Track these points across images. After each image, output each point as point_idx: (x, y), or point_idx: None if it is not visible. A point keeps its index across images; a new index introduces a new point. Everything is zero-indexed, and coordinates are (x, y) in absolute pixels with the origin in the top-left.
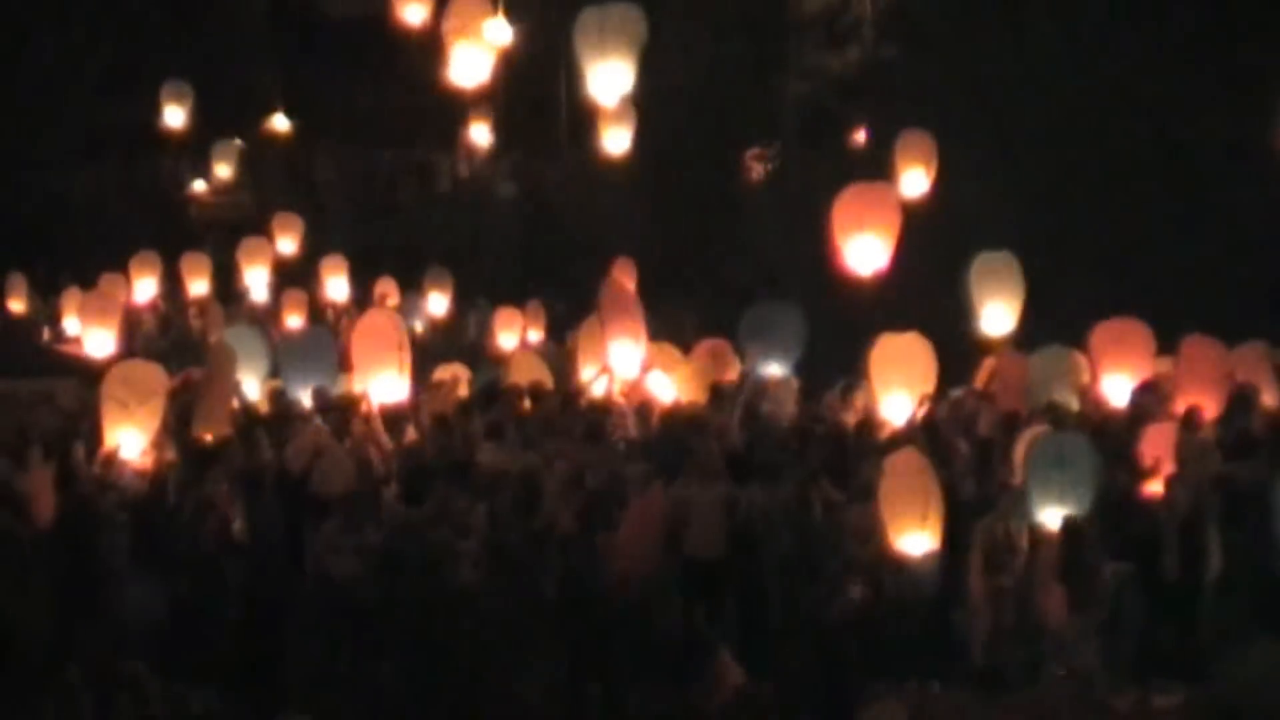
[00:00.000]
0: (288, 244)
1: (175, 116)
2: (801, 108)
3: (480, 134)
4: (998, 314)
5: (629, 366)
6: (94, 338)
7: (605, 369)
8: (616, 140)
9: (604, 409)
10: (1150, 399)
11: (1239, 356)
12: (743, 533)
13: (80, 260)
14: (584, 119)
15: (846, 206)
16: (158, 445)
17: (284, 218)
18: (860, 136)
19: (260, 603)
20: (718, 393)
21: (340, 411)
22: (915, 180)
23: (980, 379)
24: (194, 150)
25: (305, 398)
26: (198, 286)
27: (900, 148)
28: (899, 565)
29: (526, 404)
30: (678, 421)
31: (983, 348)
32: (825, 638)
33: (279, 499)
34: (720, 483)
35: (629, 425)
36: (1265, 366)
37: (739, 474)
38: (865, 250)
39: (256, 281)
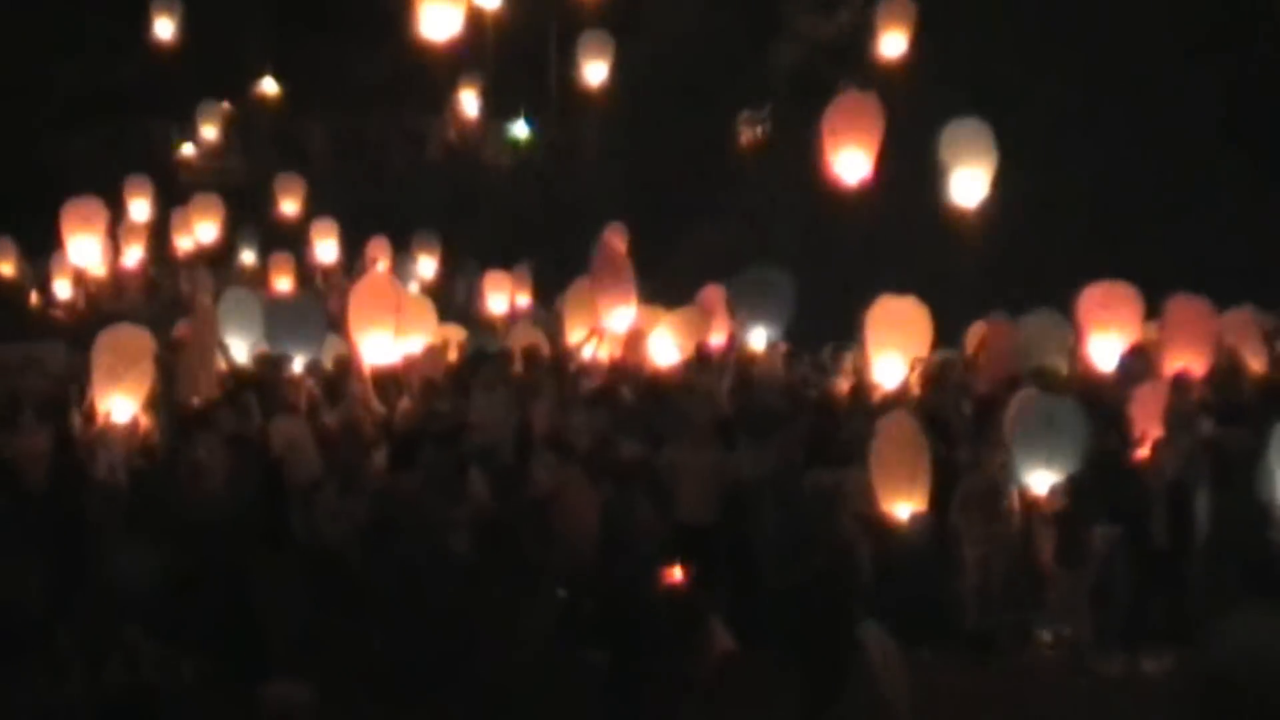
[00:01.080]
0: (290, 205)
1: (165, 28)
2: (793, 72)
3: (470, 100)
4: (968, 181)
5: (621, 328)
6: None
7: (595, 331)
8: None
9: (585, 370)
10: (1138, 363)
11: (1227, 321)
12: (733, 499)
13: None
14: (573, 85)
15: (834, 117)
16: (147, 410)
17: (286, 179)
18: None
19: (249, 568)
20: (704, 356)
21: (331, 376)
22: (894, 42)
23: (969, 345)
24: (182, 115)
25: (295, 362)
26: (185, 246)
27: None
28: (889, 530)
29: (518, 368)
30: (667, 387)
31: (955, 218)
32: (815, 604)
33: (264, 467)
34: (711, 448)
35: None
36: (1253, 331)
37: (729, 439)
38: (851, 161)
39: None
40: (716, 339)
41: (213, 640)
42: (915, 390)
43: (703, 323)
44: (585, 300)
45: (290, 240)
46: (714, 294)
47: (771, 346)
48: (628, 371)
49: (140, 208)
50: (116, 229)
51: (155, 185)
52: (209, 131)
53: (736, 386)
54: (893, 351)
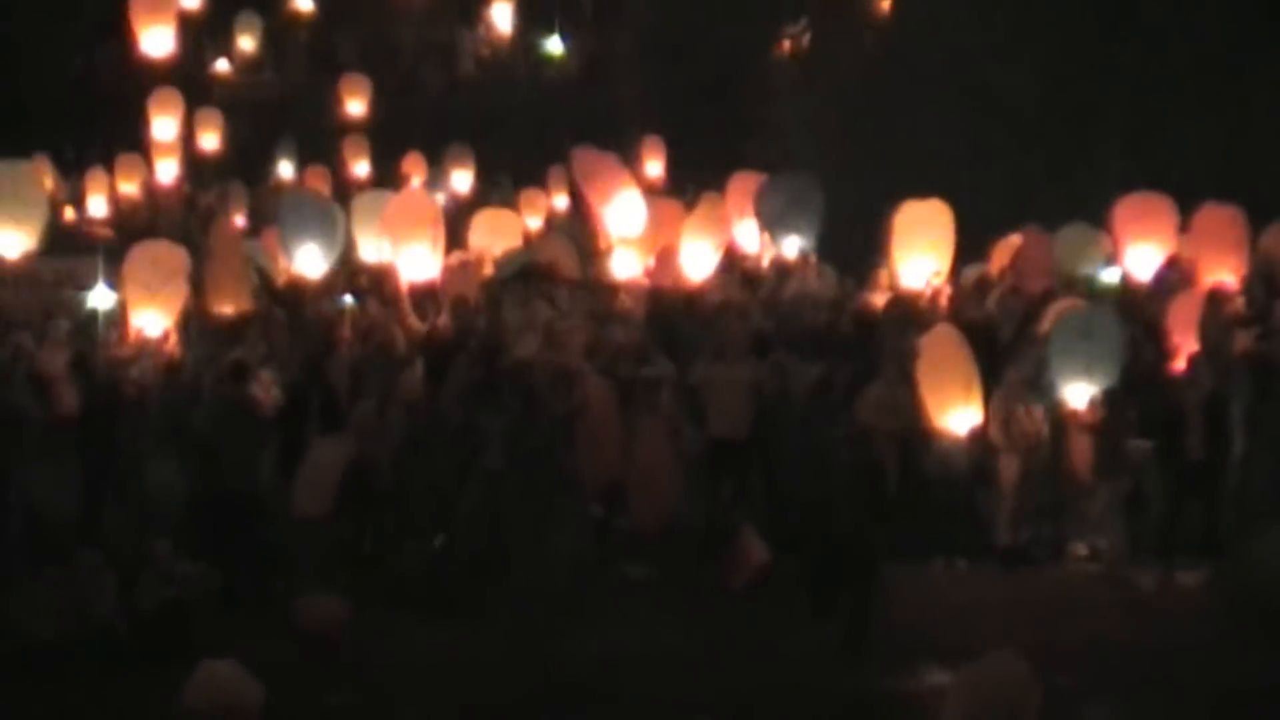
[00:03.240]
0: (357, 105)
1: None
2: None
3: (502, 13)
4: None
5: (632, 224)
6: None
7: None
8: None
9: (614, 289)
10: (1174, 274)
11: (1270, 235)
12: (767, 413)
13: (104, 141)
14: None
15: None
16: (178, 327)
17: (352, 78)
18: (885, 10)
19: (280, 483)
20: (736, 268)
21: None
22: None
23: (996, 258)
24: (215, 28)
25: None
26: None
27: None
28: (934, 442)
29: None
30: (699, 303)
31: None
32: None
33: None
34: (744, 363)
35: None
36: None
37: (763, 354)
38: None
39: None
40: (744, 237)
41: (243, 555)
42: (943, 302)
43: (725, 218)
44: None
45: (326, 154)
46: (741, 182)
47: (802, 257)
48: (661, 287)
49: (168, 125)
50: (148, 145)
51: (188, 100)
52: (246, 43)
53: (773, 300)
54: (918, 255)
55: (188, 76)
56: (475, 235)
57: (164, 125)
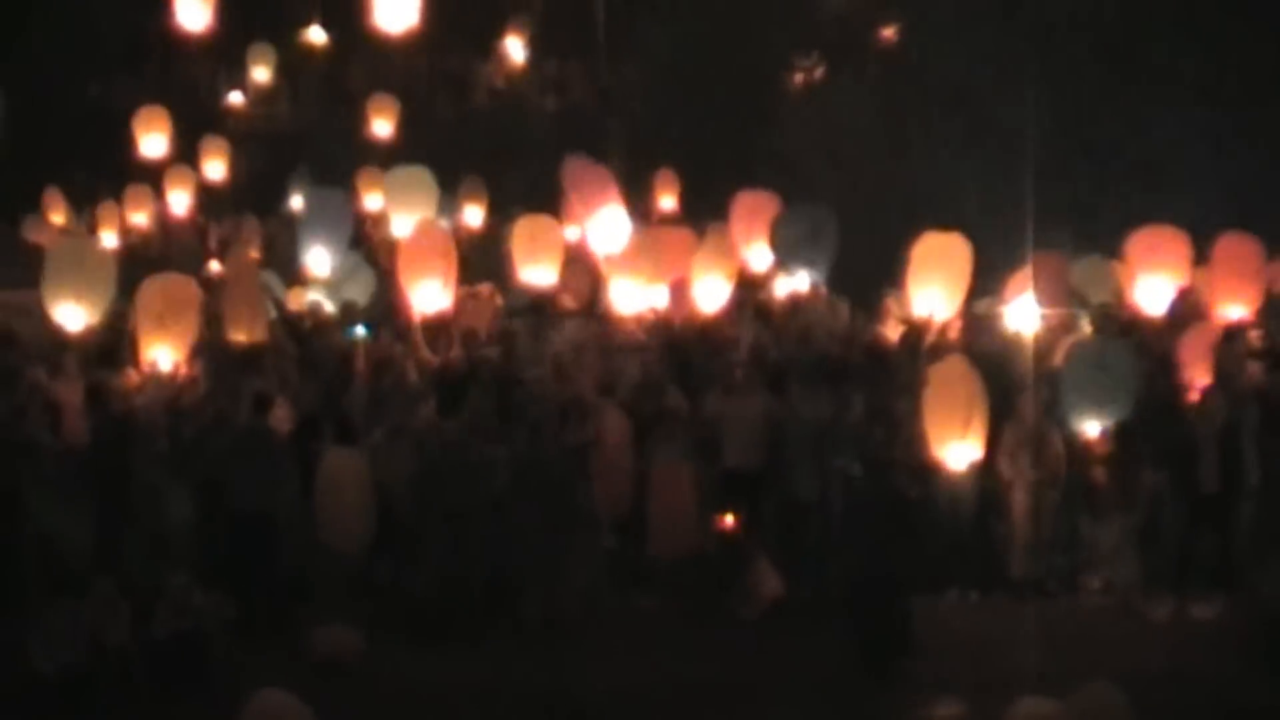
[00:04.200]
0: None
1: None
2: (838, 17)
3: (515, 46)
4: None
5: (608, 243)
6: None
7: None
8: None
9: (620, 320)
10: (1186, 306)
11: (1277, 267)
12: (779, 445)
13: (117, 172)
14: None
15: None
16: (192, 358)
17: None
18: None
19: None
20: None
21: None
22: None
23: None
24: (229, 60)
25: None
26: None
27: None
28: (941, 474)
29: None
30: (712, 335)
31: None
32: (863, 547)
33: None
34: (756, 395)
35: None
36: None
37: (775, 385)
38: None
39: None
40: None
41: (259, 584)
42: (953, 334)
43: (734, 248)
44: (634, 246)
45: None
46: (747, 202)
47: (813, 289)
48: (673, 319)
49: (158, 142)
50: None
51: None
52: (260, 74)
53: (784, 332)
54: (934, 286)
55: (201, 107)
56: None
57: (153, 143)
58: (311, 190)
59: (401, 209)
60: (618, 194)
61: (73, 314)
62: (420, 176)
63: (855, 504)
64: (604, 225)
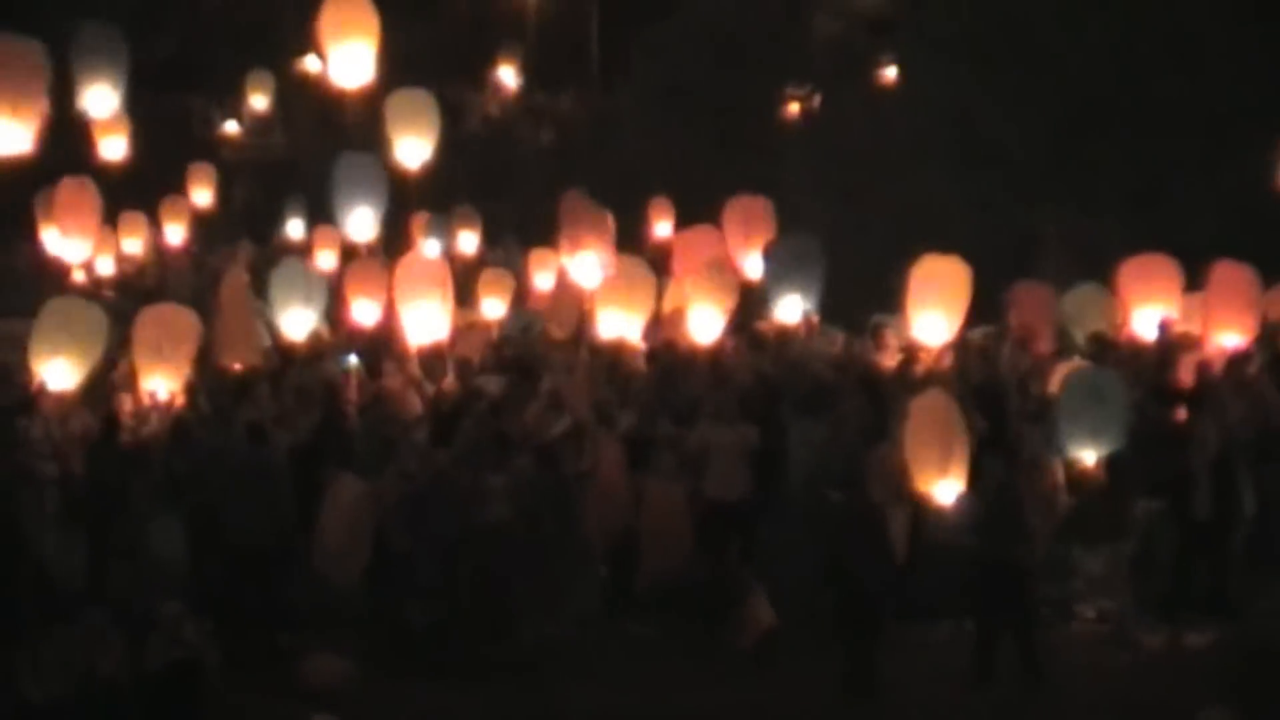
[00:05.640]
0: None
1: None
2: (832, 46)
3: (508, 74)
4: None
5: (590, 278)
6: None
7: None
8: None
9: (616, 350)
10: (1165, 337)
11: (1270, 297)
12: (765, 474)
13: (111, 202)
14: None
15: None
16: (187, 388)
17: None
18: (890, 74)
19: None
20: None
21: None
22: None
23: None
24: (224, 90)
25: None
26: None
27: None
28: (931, 507)
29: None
30: (697, 364)
31: None
32: (850, 578)
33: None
34: (739, 425)
35: (640, 364)
36: None
37: (766, 413)
38: None
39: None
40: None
41: (252, 613)
42: (945, 363)
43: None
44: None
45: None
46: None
47: (805, 317)
48: (664, 349)
49: (117, 144)
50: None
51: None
52: (258, 102)
53: (773, 361)
54: (934, 311)
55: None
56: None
57: (112, 145)
58: (345, 157)
59: (405, 133)
60: (608, 237)
61: (60, 371)
62: (422, 99)
63: (829, 522)
64: (585, 263)
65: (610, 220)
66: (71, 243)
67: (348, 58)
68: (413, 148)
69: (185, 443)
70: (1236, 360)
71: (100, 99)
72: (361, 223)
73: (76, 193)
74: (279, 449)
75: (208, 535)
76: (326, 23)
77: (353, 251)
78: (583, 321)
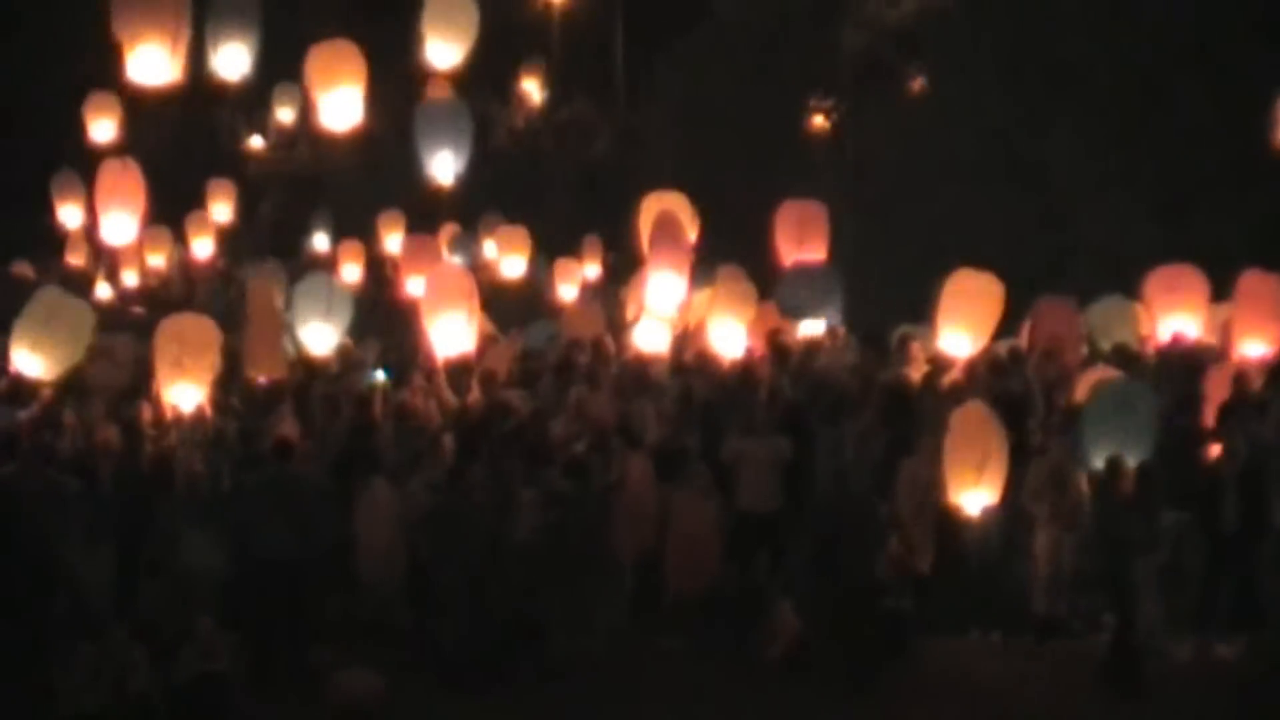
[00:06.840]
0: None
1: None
2: (859, 60)
3: (532, 87)
4: None
5: (668, 303)
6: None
7: (637, 311)
8: None
9: (645, 361)
10: (1176, 350)
11: None
12: (796, 486)
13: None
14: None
15: None
16: (214, 400)
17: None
18: (918, 88)
19: (316, 557)
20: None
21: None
22: None
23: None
24: (249, 104)
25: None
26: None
27: None
28: (960, 518)
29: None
30: (729, 376)
31: None
32: (882, 589)
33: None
34: (772, 436)
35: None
36: None
37: (794, 426)
38: None
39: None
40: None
41: (283, 628)
42: (979, 374)
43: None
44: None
45: (360, 227)
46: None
47: (830, 332)
48: (692, 361)
49: (106, 127)
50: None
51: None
52: (285, 114)
53: (800, 375)
54: (963, 325)
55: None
56: None
57: (101, 128)
58: (425, 105)
59: (441, 37)
60: (688, 264)
61: (30, 363)
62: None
63: (824, 517)
64: (662, 285)
65: (690, 236)
66: (117, 221)
67: (336, 103)
68: (444, 161)
69: (216, 458)
70: (1272, 378)
71: (233, 60)
72: (444, 166)
73: (119, 174)
74: (307, 463)
75: (240, 550)
76: (313, 70)
77: (379, 264)
78: (683, 336)
